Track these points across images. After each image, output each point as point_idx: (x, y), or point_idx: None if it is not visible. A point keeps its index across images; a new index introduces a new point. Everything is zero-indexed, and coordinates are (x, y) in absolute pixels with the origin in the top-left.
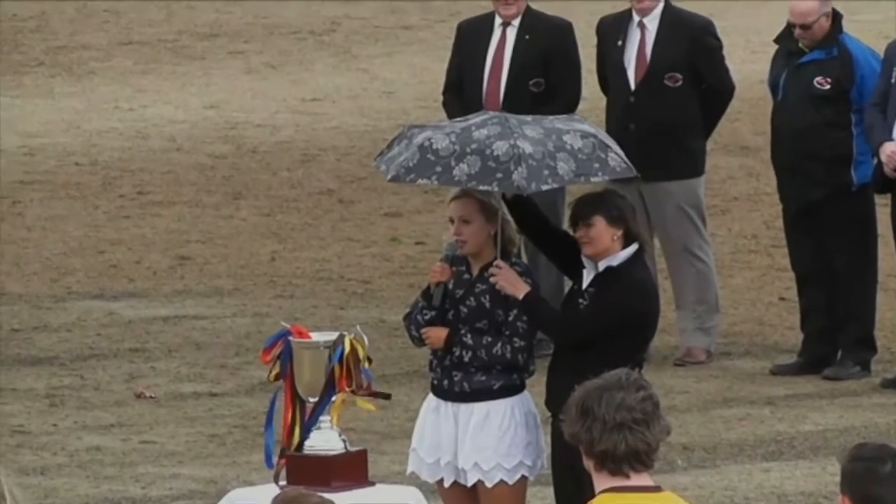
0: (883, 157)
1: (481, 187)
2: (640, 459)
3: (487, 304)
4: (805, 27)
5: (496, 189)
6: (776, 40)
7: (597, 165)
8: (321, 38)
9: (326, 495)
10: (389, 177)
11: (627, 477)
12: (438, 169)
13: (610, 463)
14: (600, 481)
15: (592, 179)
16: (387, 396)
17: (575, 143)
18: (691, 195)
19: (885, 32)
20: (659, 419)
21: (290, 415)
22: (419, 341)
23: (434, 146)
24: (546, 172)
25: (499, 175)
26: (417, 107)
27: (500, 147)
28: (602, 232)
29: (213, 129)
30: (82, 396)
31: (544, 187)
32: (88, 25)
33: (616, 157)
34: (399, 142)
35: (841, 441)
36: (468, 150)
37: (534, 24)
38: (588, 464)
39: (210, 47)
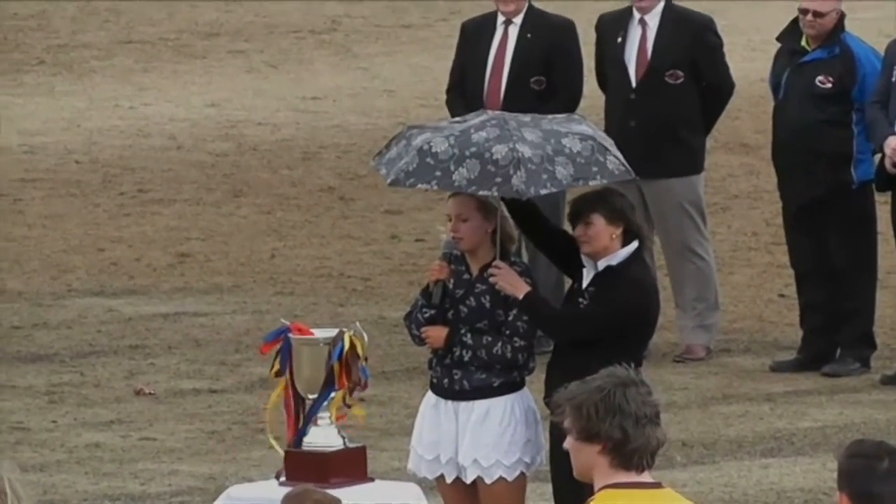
0: (888, 151)
1: (481, 192)
2: (656, 454)
3: (487, 305)
4: (818, 14)
5: (496, 194)
6: (779, 38)
7: (595, 169)
8: (321, 37)
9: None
10: (389, 181)
11: (641, 471)
12: (438, 173)
13: (637, 458)
14: (607, 477)
15: (591, 183)
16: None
17: (574, 146)
18: (691, 192)
19: (885, 31)
20: None
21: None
22: (419, 340)
23: (433, 149)
24: (545, 177)
25: (498, 179)
26: (418, 105)
27: (500, 151)
28: (601, 230)
29: (213, 127)
30: (82, 393)
31: (543, 192)
32: (89, 24)
33: (615, 159)
34: (397, 142)
35: (840, 437)
36: (467, 153)
37: (536, 22)
38: (596, 460)
39: (211, 46)
